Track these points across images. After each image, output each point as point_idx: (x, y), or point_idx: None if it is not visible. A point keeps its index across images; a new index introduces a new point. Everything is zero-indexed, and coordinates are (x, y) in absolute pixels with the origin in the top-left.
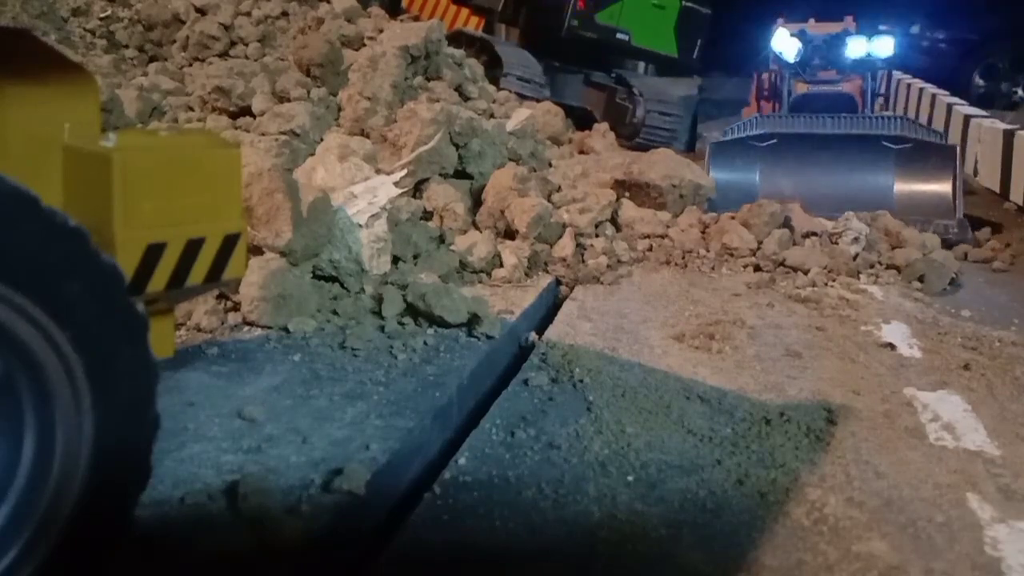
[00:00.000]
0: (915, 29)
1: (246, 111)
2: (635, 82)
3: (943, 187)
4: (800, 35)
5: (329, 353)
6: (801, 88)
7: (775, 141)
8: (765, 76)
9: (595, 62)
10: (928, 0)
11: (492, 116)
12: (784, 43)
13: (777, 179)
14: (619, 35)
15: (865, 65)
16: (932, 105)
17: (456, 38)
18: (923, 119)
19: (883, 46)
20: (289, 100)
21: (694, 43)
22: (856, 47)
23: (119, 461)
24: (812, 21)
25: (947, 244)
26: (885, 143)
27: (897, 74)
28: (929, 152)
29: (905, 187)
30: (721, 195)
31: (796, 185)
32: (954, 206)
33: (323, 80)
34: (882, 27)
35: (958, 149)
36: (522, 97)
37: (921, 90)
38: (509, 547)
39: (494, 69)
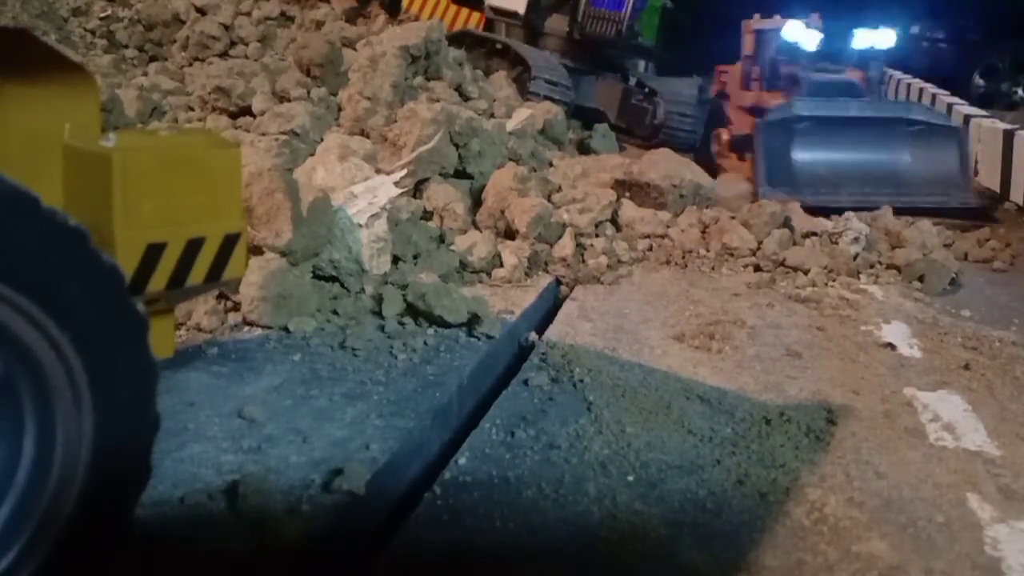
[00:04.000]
0: (915, 29)
1: (246, 111)
2: (652, 83)
3: (952, 164)
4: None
5: (329, 353)
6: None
7: (808, 123)
8: (779, 65)
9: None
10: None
11: (492, 116)
12: (801, 34)
13: (810, 153)
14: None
15: (869, 55)
16: (932, 105)
17: (459, 39)
18: None
19: (885, 38)
20: (289, 100)
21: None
22: (861, 39)
23: (119, 461)
24: (777, 17)
25: (966, 215)
26: (902, 125)
27: (897, 74)
28: (938, 133)
29: (919, 164)
30: (769, 167)
31: (826, 160)
32: (963, 180)
33: (323, 80)
34: (880, 25)
35: (963, 130)
36: (551, 101)
37: (921, 90)
38: (509, 547)
39: (520, 73)
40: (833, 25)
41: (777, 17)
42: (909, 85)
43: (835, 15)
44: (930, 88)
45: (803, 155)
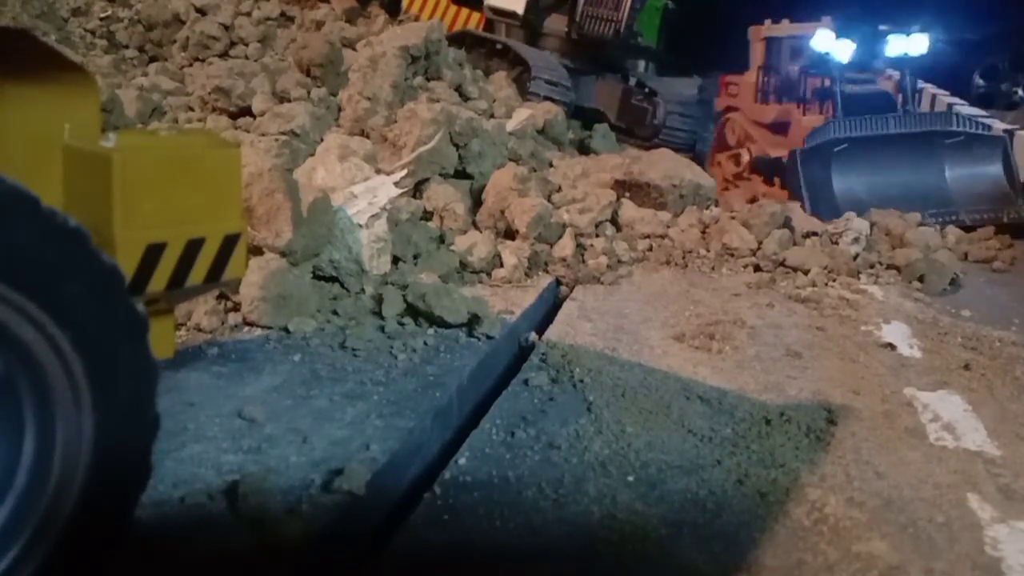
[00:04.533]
0: (914, 29)
1: (246, 111)
2: (652, 83)
3: (998, 175)
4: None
5: (329, 353)
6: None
7: (845, 146)
8: (808, 79)
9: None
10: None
11: (492, 116)
12: (832, 44)
13: (852, 178)
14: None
15: (902, 63)
16: (932, 105)
17: (459, 39)
18: None
19: (919, 44)
20: (289, 100)
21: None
22: (895, 45)
23: (119, 461)
24: (786, 23)
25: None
26: (943, 138)
27: (897, 74)
28: (981, 144)
29: (964, 178)
30: (811, 196)
31: (865, 183)
32: (1013, 192)
33: (323, 80)
34: (882, 27)
35: (1007, 137)
36: (551, 101)
37: (921, 90)
38: (509, 547)
39: (520, 73)
40: (852, 29)
41: (786, 22)
42: (934, 96)
43: (845, 17)
44: (930, 88)
45: (844, 180)
